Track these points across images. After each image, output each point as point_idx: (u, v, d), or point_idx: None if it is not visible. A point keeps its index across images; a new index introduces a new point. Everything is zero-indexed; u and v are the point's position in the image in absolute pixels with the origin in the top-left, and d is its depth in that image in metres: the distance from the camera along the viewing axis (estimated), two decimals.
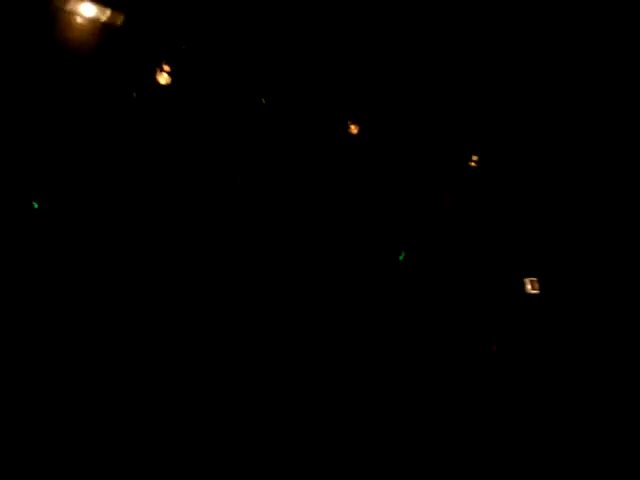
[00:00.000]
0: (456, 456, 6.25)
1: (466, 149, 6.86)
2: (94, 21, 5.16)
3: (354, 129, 6.51)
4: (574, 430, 6.56)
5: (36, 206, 5.47)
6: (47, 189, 5.49)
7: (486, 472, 6.25)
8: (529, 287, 7.02)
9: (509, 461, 6.32)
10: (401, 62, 6.48)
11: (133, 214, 5.78)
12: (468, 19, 6.41)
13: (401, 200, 6.74)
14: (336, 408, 6.25)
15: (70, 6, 5.04)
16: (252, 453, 5.86)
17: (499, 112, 6.80)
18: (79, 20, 5.10)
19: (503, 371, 7.00)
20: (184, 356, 5.88)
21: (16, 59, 5.20)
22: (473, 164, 6.84)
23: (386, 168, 6.70)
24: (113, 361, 5.64)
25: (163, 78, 5.44)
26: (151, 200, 5.82)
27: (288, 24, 6.03)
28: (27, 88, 5.26)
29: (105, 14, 5.17)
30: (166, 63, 5.41)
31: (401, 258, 6.32)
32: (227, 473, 5.74)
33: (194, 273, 5.98)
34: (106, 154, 5.61)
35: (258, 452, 5.88)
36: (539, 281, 6.99)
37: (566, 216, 7.00)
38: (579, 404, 6.69)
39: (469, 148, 6.86)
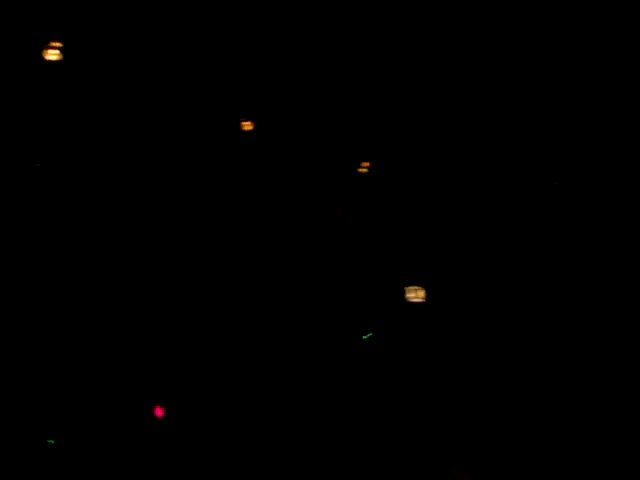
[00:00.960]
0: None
1: (356, 155, 7.10)
2: None
3: (248, 126, 7.08)
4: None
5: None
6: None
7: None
8: (411, 295, 6.85)
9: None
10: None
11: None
12: None
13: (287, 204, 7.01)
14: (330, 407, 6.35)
15: None
16: (252, 453, 6.00)
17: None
18: None
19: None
20: (183, 355, 6.15)
21: None
22: (363, 170, 7.04)
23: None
24: (113, 361, 5.93)
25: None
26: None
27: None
28: None
29: None
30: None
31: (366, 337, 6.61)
32: (227, 473, 5.89)
33: (188, 270, 6.37)
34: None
35: (258, 452, 6.01)
36: (423, 289, 6.83)
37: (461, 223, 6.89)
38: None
39: (360, 154, 7.09)
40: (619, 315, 6.32)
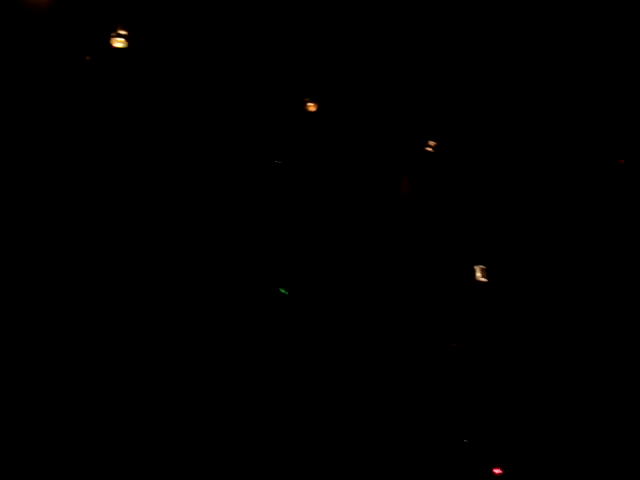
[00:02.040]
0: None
1: (423, 134, 7.14)
2: None
3: (312, 107, 7.06)
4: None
5: None
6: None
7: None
8: (479, 275, 7.07)
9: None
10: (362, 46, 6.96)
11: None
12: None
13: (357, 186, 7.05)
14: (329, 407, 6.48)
15: None
16: (251, 453, 6.08)
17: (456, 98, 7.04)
18: None
19: (466, 366, 7.05)
20: (182, 355, 6.15)
21: None
22: (430, 149, 7.10)
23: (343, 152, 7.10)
24: (113, 361, 5.90)
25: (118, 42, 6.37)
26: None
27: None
28: None
29: None
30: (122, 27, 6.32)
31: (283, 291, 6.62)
32: (227, 473, 5.97)
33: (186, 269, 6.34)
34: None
35: (257, 452, 6.09)
36: (488, 269, 7.03)
37: (518, 207, 7.03)
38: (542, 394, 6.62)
39: (426, 133, 7.13)
40: (619, 315, 6.55)
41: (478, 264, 7.08)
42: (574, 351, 6.72)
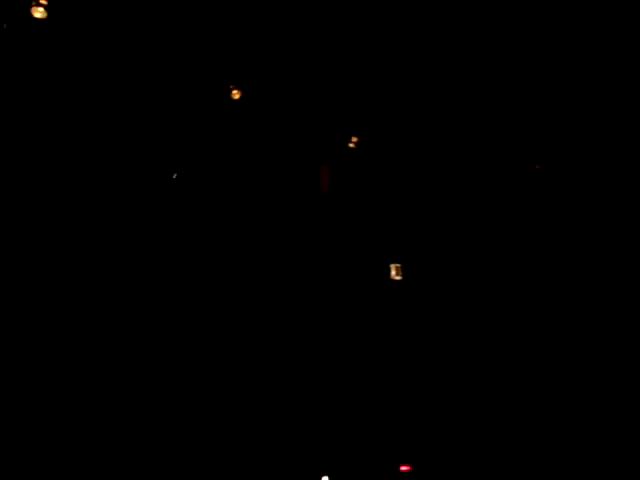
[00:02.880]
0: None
1: (348, 130, 7.13)
2: None
3: (236, 95, 6.96)
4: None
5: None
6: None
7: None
8: (393, 273, 7.10)
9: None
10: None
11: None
12: None
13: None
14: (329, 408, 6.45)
15: None
16: (250, 453, 6.05)
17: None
18: None
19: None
20: (181, 355, 6.14)
21: None
22: (351, 145, 7.10)
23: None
24: (113, 361, 5.87)
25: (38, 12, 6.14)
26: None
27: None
28: None
29: None
30: None
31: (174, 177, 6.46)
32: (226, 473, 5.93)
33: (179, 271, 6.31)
34: None
35: (256, 452, 6.06)
36: (403, 268, 7.07)
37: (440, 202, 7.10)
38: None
39: (351, 129, 7.13)
40: (619, 315, 6.70)
41: (395, 262, 7.12)
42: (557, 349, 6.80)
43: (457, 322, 6.87)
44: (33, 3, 6.10)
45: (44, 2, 6.10)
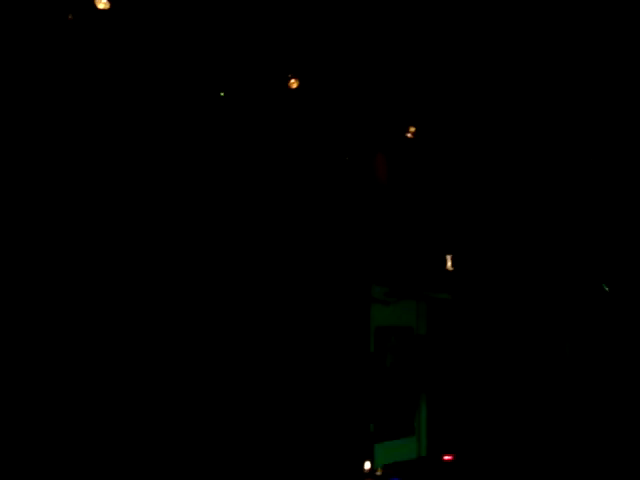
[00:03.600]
0: None
1: (404, 120, 7.11)
2: None
3: (294, 84, 6.95)
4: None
5: None
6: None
7: None
8: (450, 264, 7.12)
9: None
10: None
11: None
12: None
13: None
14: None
15: None
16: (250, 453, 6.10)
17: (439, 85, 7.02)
18: None
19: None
20: (181, 355, 6.13)
21: None
22: (410, 135, 7.07)
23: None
24: (113, 361, 5.86)
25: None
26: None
27: None
28: None
29: None
30: None
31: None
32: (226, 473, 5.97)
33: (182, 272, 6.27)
34: None
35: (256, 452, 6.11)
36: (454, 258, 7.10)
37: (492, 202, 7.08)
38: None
39: (407, 119, 7.10)
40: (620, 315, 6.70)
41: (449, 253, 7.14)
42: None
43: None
44: None
45: None
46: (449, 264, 7.08)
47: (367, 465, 6.43)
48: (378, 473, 6.44)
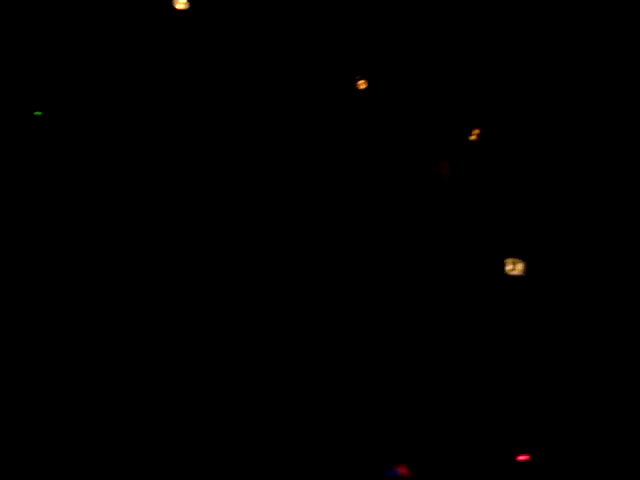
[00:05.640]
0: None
1: (467, 122, 7.14)
2: None
3: (362, 84, 7.16)
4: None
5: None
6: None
7: None
8: (509, 268, 7.02)
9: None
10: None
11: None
12: None
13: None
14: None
15: None
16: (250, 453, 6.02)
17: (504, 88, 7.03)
18: None
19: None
20: (181, 355, 6.13)
21: None
22: (473, 137, 7.10)
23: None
24: (113, 361, 5.93)
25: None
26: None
27: None
28: None
29: None
30: None
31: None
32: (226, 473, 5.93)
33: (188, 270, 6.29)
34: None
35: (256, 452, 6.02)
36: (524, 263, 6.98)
37: (561, 202, 6.96)
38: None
39: (470, 121, 7.14)
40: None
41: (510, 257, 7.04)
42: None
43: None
44: None
45: None
46: (509, 267, 6.99)
47: None
48: None
